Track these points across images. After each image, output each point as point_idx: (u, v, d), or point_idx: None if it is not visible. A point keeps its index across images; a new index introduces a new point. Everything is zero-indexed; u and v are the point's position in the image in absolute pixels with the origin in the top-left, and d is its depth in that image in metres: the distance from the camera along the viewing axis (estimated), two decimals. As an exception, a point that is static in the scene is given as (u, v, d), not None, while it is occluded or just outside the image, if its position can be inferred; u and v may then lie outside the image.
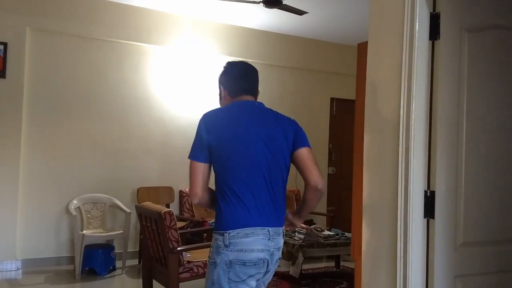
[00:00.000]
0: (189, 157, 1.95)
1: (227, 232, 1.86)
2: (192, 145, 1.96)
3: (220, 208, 1.92)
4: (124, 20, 5.28)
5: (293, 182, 6.19)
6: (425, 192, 2.03)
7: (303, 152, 2.04)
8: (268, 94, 6.11)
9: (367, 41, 2.32)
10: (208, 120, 1.97)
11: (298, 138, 2.07)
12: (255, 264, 1.87)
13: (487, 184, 2.13)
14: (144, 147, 5.43)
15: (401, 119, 2.05)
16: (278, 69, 6.20)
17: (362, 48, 2.43)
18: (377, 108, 2.23)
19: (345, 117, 6.21)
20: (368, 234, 2.26)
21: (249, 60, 5.91)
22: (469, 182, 2.07)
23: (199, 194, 1.93)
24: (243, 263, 1.85)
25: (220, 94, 2.17)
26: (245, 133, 1.95)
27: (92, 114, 5.20)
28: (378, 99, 2.23)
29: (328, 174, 6.70)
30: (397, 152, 2.06)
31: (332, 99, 6.72)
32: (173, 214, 3.64)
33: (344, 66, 6.26)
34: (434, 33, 2.00)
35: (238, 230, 1.86)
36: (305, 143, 2.08)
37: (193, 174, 1.93)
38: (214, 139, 1.92)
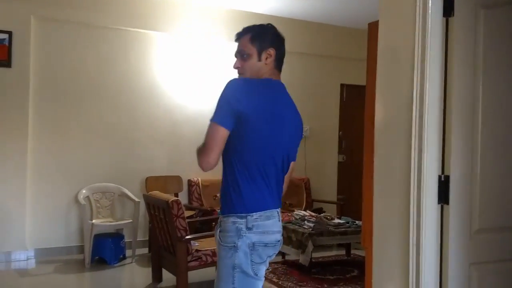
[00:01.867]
0: (214, 119, 1.74)
1: (250, 215, 1.78)
2: (218, 108, 1.74)
3: (239, 189, 1.78)
4: (131, 7, 5.21)
5: (303, 170, 6.15)
6: (439, 177, 1.96)
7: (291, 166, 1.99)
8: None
9: (378, 21, 2.23)
10: (242, 88, 1.77)
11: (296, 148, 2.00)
12: (274, 246, 1.87)
13: (504, 168, 2.04)
14: (152, 136, 5.39)
15: (414, 101, 1.96)
16: (286, 55, 6.08)
17: (373, 28, 2.34)
18: (389, 90, 2.14)
19: (356, 104, 6.07)
20: (379, 222, 2.19)
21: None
22: (486, 166, 1.99)
23: (214, 163, 1.75)
24: (265, 245, 1.83)
25: (260, 56, 1.88)
26: (279, 117, 1.83)
27: (100, 104, 5.16)
28: (390, 81, 2.14)
29: (338, 162, 6.62)
30: (410, 136, 1.97)
31: (342, 85, 6.60)
32: (180, 203, 3.61)
33: (354, 51, 6.13)
34: (448, 9, 1.90)
35: (261, 213, 1.80)
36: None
37: (214, 140, 1.73)
38: (246, 110, 1.73)
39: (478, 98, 1.97)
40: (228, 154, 1.81)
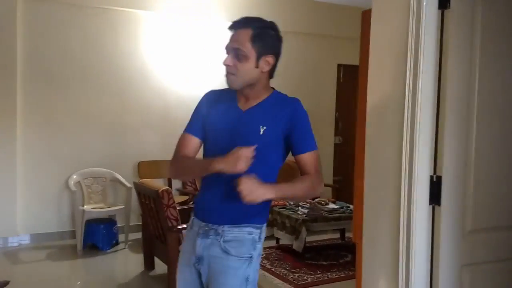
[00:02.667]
0: (317, 148, 1.75)
1: (264, 225, 1.75)
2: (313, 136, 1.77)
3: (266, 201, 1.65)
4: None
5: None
6: (431, 177, 1.88)
7: None
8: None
9: (371, 9, 2.11)
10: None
11: None
12: None
13: (498, 167, 1.97)
14: (144, 120, 5.28)
15: (407, 96, 1.87)
16: (282, 35, 5.92)
17: (366, 17, 2.22)
18: (381, 85, 2.04)
19: (353, 84, 5.88)
20: (368, 220, 2.13)
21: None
22: (479, 166, 1.91)
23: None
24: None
25: (258, 62, 1.64)
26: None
27: (89, 87, 5.04)
28: (382, 76, 2.04)
29: (335, 143, 6.54)
30: (402, 134, 1.89)
31: (339, 66, 6.46)
32: (171, 192, 3.54)
33: (352, 30, 5.92)
34: (444, 1, 1.79)
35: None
36: None
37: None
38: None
39: (473, 95, 1.88)
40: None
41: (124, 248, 4.72)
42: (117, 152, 5.14)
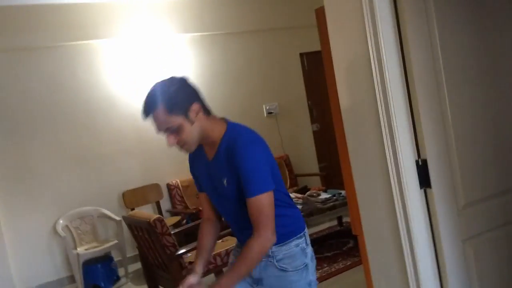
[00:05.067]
0: (262, 190, 1.61)
1: (304, 231, 1.82)
2: (260, 175, 1.61)
3: (285, 213, 1.76)
4: (67, 21, 4.87)
5: (280, 148, 6.06)
6: (417, 161, 1.88)
7: None
8: (234, 65, 5.85)
9: (323, 6, 2.09)
10: (265, 144, 1.71)
11: None
12: None
13: (478, 138, 1.98)
14: (119, 148, 5.17)
15: (376, 88, 1.86)
16: (238, 36, 5.89)
17: (320, 15, 2.20)
18: (349, 80, 2.03)
19: (319, 71, 5.92)
20: (365, 213, 2.12)
21: (206, 33, 5.64)
22: (460, 141, 1.92)
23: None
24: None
25: (189, 119, 1.62)
26: None
27: (57, 126, 4.90)
28: (348, 71, 2.02)
29: (313, 131, 6.54)
30: (379, 124, 1.88)
31: (301, 55, 6.44)
32: (163, 220, 3.48)
33: (308, 18, 5.94)
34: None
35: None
36: None
37: (271, 208, 1.63)
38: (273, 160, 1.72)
39: (440, 72, 1.88)
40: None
41: (127, 282, 4.64)
42: (99, 186, 5.03)
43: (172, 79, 1.67)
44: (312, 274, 1.81)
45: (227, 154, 1.64)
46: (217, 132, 1.69)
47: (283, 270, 1.74)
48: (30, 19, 4.71)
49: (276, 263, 1.74)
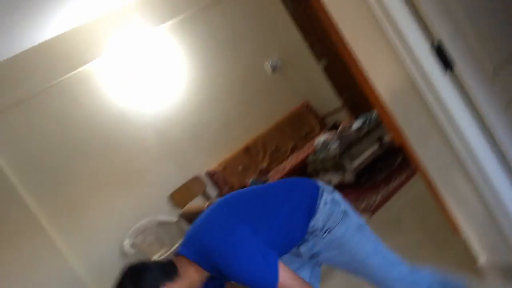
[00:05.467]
0: (274, 279, 1.50)
1: (320, 189, 1.81)
2: (261, 276, 1.50)
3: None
4: (55, 55, 4.86)
5: (297, 98, 5.98)
6: (432, 45, 1.79)
7: None
8: (222, 36, 5.75)
9: None
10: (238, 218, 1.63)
11: None
12: None
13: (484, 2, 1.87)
14: (148, 156, 5.23)
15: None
16: (216, 6, 5.78)
17: None
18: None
19: (305, 5, 5.75)
20: (403, 121, 2.07)
21: (182, 16, 5.53)
22: (467, 10, 1.81)
23: None
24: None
25: None
26: None
27: (88, 157, 4.96)
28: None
29: (324, 68, 6.39)
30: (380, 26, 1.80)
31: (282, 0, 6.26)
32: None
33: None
34: None
35: None
36: None
37: (292, 282, 1.55)
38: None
39: None
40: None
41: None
42: (145, 197, 5.11)
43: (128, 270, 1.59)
44: (355, 218, 1.75)
45: (217, 272, 1.55)
46: (196, 274, 1.57)
47: (329, 232, 1.69)
48: (25, 67, 4.73)
49: (322, 234, 1.69)
